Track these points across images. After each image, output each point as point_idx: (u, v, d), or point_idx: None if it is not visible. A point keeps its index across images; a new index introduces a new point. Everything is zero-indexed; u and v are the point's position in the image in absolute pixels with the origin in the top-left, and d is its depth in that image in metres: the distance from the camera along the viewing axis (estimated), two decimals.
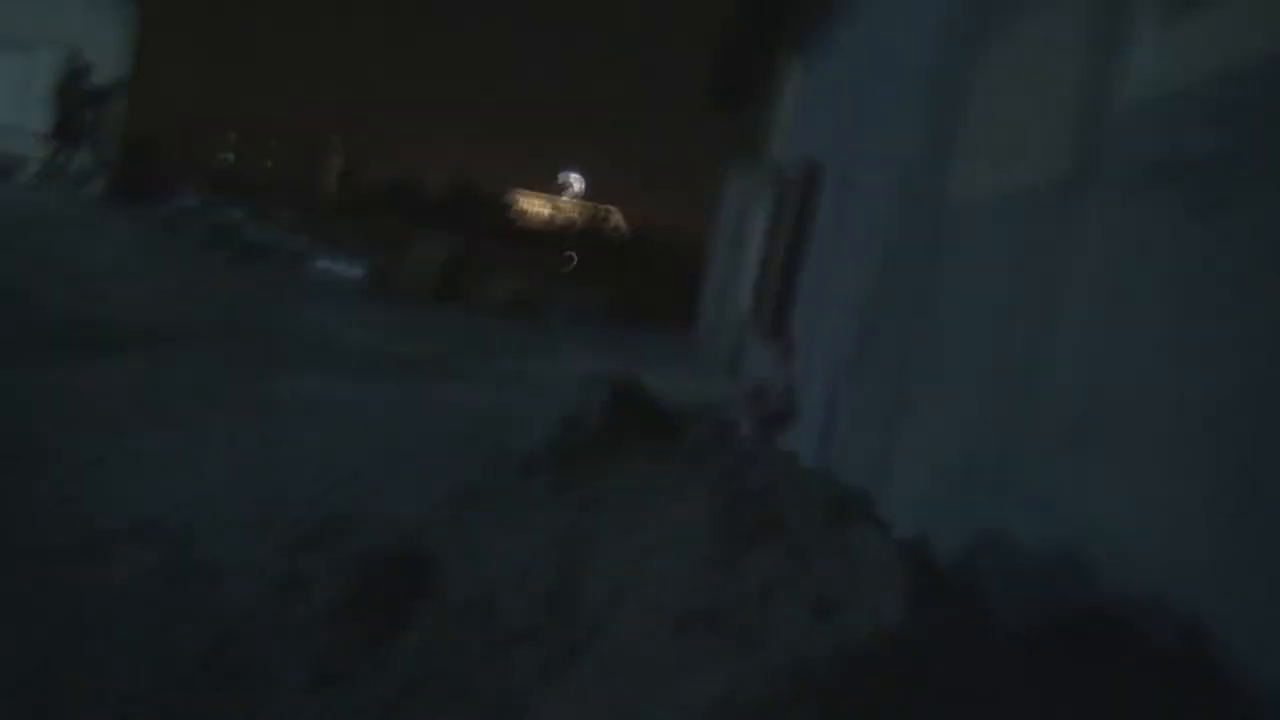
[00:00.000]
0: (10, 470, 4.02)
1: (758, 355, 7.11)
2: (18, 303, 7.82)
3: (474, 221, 33.13)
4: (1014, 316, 2.74)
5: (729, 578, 1.56)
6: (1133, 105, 2.23)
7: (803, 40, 9.20)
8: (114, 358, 6.47)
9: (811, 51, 8.72)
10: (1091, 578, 2.01)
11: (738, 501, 1.70)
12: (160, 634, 2.89)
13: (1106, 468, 2.09)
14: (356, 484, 4.80)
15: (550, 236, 41.29)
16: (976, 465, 2.70)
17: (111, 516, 3.72)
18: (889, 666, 1.28)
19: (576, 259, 29.83)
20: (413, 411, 6.95)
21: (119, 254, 11.58)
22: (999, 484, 2.54)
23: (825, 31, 8.04)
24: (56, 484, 3.98)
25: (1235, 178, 1.86)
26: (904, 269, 4.13)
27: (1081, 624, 1.83)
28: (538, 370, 9.13)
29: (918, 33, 4.75)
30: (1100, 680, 1.56)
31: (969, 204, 3.37)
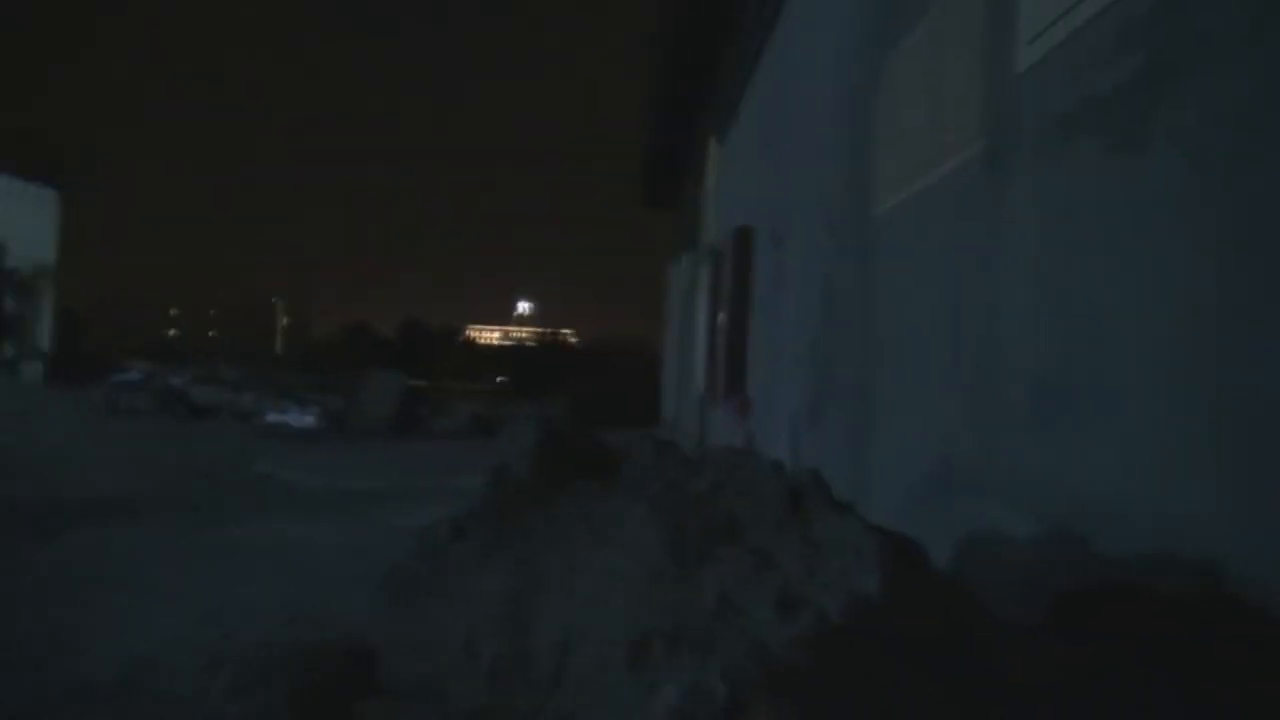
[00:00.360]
0: None
1: (719, 420, 6.97)
2: None
3: (426, 357, 33.08)
4: (959, 308, 2.64)
5: (684, 593, 1.38)
6: (1035, 63, 2.20)
7: (717, 121, 9.40)
8: (63, 535, 6.16)
9: (726, 130, 8.90)
10: (1088, 549, 1.85)
11: (683, 513, 1.53)
12: None
13: (1084, 435, 1.96)
14: (308, 614, 4.52)
15: (504, 361, 41.29)
16: (952, 464, 2.56)
17: (47, 685, 3.41)
18: (865, 644, 1.11)
19: (510, 377, 29.72)
20: (371, 536, 6.67)
21: (63, 436, 11.27)
22: (977, 478, 2.40)
23: (735, 107, 8.22)
24: None
25: (1145, 103, 1.79)
26: (844, 300, 4.07)
27: (1083, 594, 1.67)
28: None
29: (821, 77, 4.82)
30: (1107, 644, 1.39)
31: (893, 214, 3.32)
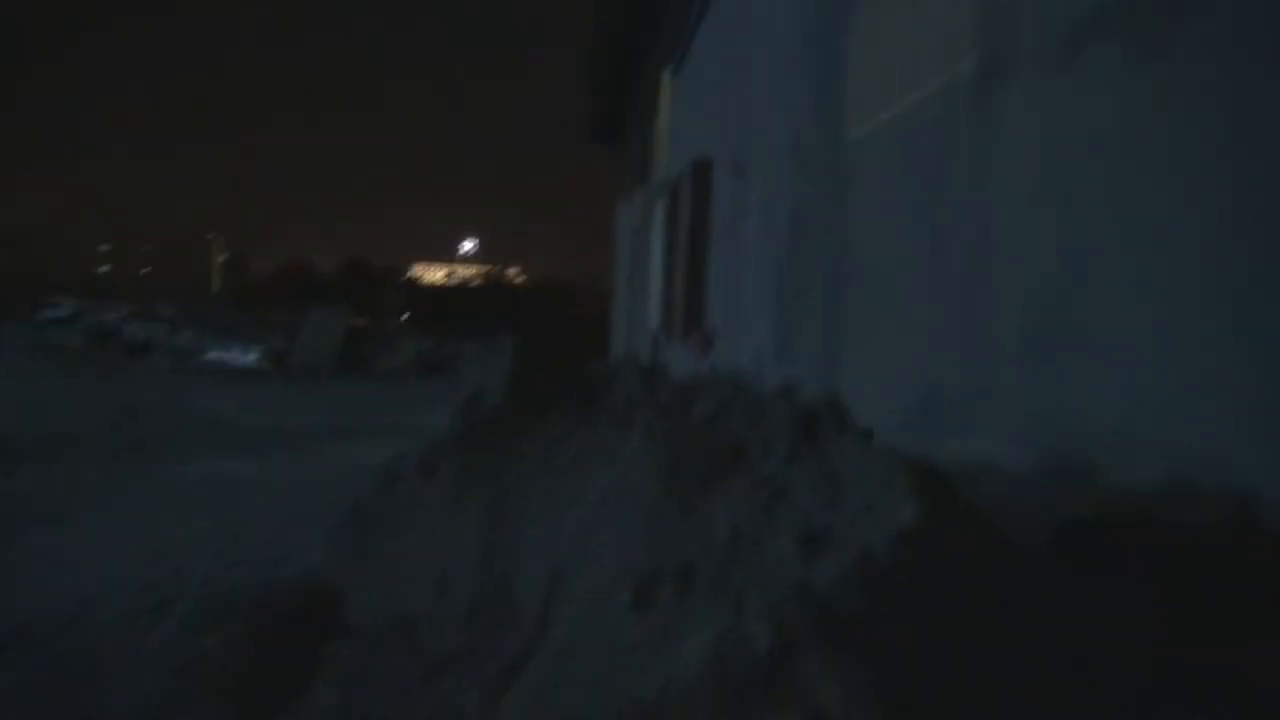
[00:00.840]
0: None
1: (676, 357, 6.88)
2: None
3: (370, 295, 32.41)
4: (944, 233, 2.54)
5: (689, 529, 1.27)
6: None
7: (670, 51, 9.14)
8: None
9: (680, 58, 8.65)
10: (1091, 481, 1.79)
11: (682, 441, 1.42)
12: None
13: (1088, 364, 1.88)
14: (260, 551, 4.37)
15: (449, 299, 40.68)
16: (938, 396, 2.48)
17: None
18: (909, 583, 1.01)
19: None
20: (313, 474, 6.51)
21: None
22: (966, 410, 2.32)
23: (689, 36, 7.97)
24: None
25: (1171, 6, 1.68)
26: (813, 229, 3.95)
27: (1088, 527, 1.60)
28: (443, 418, 8.72)
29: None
30: (1140, 573, 1.32)
31: (869, 138, 3.20)
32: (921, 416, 2.60)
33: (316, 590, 1.92)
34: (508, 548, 1.62)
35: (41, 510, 5.09)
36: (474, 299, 37.89)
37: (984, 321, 2.28)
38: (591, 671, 1.11)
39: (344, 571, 1.89)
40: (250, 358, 14.94)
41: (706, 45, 7.38)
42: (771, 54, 4.91)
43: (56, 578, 3.89)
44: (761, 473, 1.35)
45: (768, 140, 4.94)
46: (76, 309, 15.77)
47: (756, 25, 5.38)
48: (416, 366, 15.69)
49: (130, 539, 4.56)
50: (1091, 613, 1.10)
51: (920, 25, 2.76)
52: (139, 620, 3.43)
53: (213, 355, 14.94)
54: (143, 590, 3.76)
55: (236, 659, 2.03)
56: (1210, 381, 1.54)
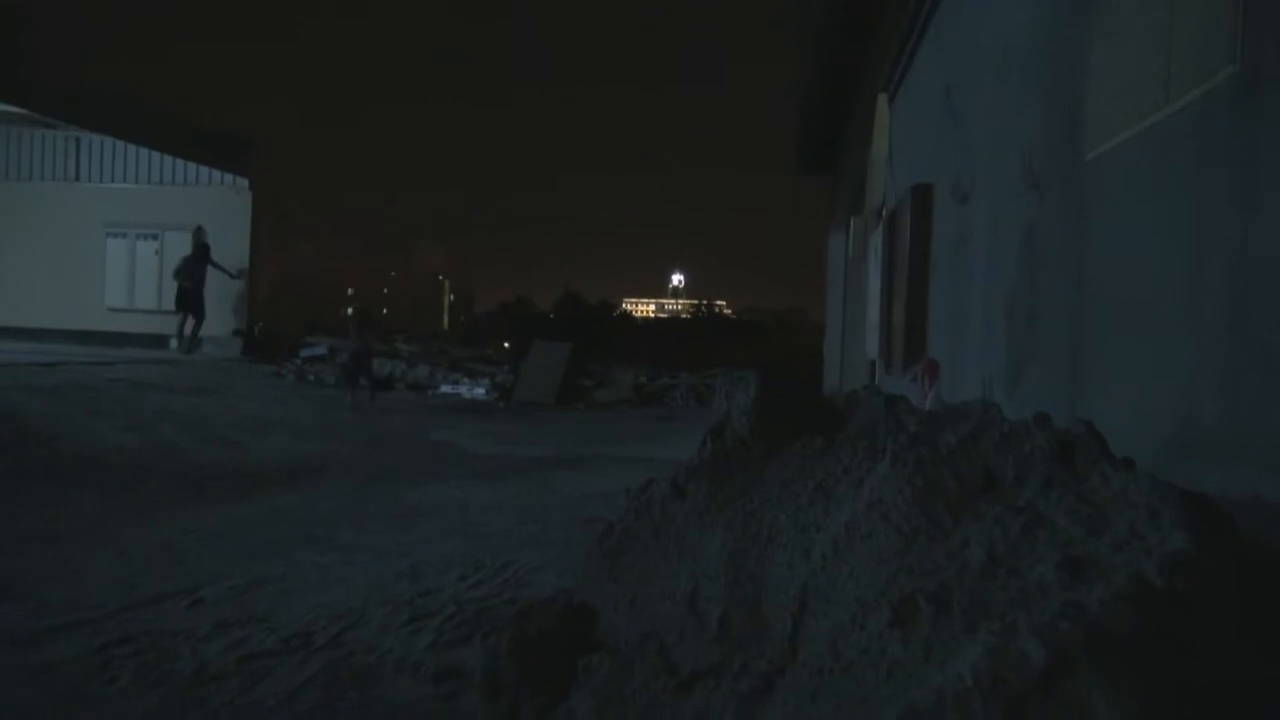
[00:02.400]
0: (165, 603, 4.01)
1: (896, 388, 6.72)
2: (174, 458, 8.18)
3: (585, 330, 33.69)
4: (1202, 254, 2.39)
5: (943, 553, 1.28)
6: None
7: (884, 79, 9.03)
8: (257, 496, 6.60)
9: (898, 84, 8.52)
10: None
11: (933, 468, 1.42)
12: None
13: None
14: (503, 573, 4.66)
15: (660, 333, 41.58)
16: (1197, 428, 2.32)
17: (268, 635, 3.63)
18: (1182, 611, 0.98)
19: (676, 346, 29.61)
20: (546, 501, 6.84)
21: (258, 405, 12.08)
22: (1235, 443, 2.16)
23: (907, 62, 7.85)
24: (214, 608, 3.94)
25: None
26: (1048, 254, 3.79)
27: None
28: (665, 450, 8.92)
29: (1017, 11, 4.50)
30: None
31: (1112, 155, 3.05)
32: (1177, 447, 2.44)
33: (569, 606, 2.05)
34: (756, 569, 1.67)
35: (305, 532, 5.62)
36: (684, 331, 38.53)
37: (1254, 346, 2.12)
38: (852, 685, 1.14)
39: (597, 589, 2.01)
40: (478, 391, 15.92)
41: (925, 69, 7.25)
42: (998, 74, 4.77)
43: (326, 590, 4.31)
44: (1017, 499, 1.33)
45: (994, 164, 4.79)
46: (330, 346, 17.37)
47: (982, 46, 5.24)
48: (633, 398, 16.12)
49: (383, 558, 4.97)
50: None
51: (1171, 34, 2.62)
52: (399, 632, 3.75)
53: (445, 389, 16.03)
54: (399, 606, 4.10)
55: (493, 669, 2.19)
56: None
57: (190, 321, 16.42)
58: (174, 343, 16.56)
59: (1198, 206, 2.43)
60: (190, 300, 16.33)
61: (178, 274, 16.40)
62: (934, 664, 1.03)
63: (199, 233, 17.75)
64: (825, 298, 17.10)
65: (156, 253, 18.29)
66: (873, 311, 8.78)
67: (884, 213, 8.67)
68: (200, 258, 16.58)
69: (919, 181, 6.69)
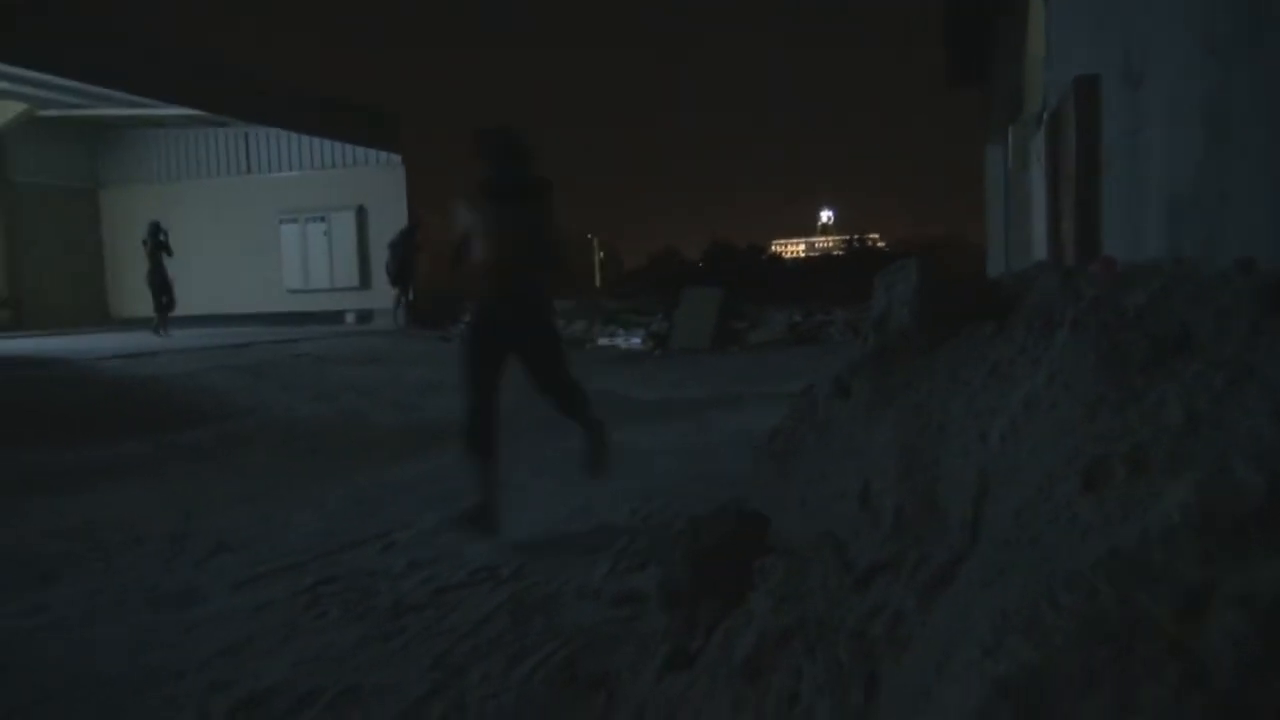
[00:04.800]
0: (361, 547, 4.29)
1: None
2: (358, 422, 8.71)
3: (735, 274, 33.45)
4: None
5: (1135, 416, 1.19)
6: None
7: None
8: (434, 451, 6.92)
9: None
10: None
11: (1119, 330, 1.32)
12: (515, 664, 2.86)
13: None
14: (671, 506, 4.73)
15: (812, 272, 40.79)
16: None
17: (457, 570, 3.84)
18: None
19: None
20: (708, 439, 6.88)
21: (425, 370, 12.67)
22: None
23: None
24: (406, 550, 4.19)
25: None
26: (1240, 129, 3.45)
27: None
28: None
29: None
30: None
31: None
32: None
33: (741, 513, 2.05)
34: (928, 459, 1.62)
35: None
36: (837, 268, 37.67)
37: None
38: (1041, 556, 1.08)
39: (767, 495, 2.00)
40: (634, 341, 16.14)
41: None
42: None
43: (506, 529, 4.49)
44: (1219, 354, 1.22)
45: (1166, 40, 4.39)
46: None
47: None
48: (788, 338, 15.95)
49: (556, 498, 5.14)
50: None
51: None
52: (576, 564, 3.88)
53: (602, 341, 16.34)
54: (575, 540, 4.24)
55: (669, 580, 2.23)
56: None
57: (402, 294, 17.38)
58: (399, 316, 17.46)
59: None
60: (404, 273, 17.27)
61: (393, 248, 17.31)
62: (1134, 520, 0.96)
63: (411, 211, 18.54)
64: (985, 218, 16.30)
65: (325, 234, 19.37)
66: (1038, 224, 8.30)
67: (1044, 116, 8.14)
68: (410, 233, 17.44)
69: (1081, 74, 6.22)
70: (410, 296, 17.48)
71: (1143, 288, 1.39)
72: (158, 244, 15.23)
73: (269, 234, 19.51)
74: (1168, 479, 1.01)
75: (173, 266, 15.40)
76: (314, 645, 3.11)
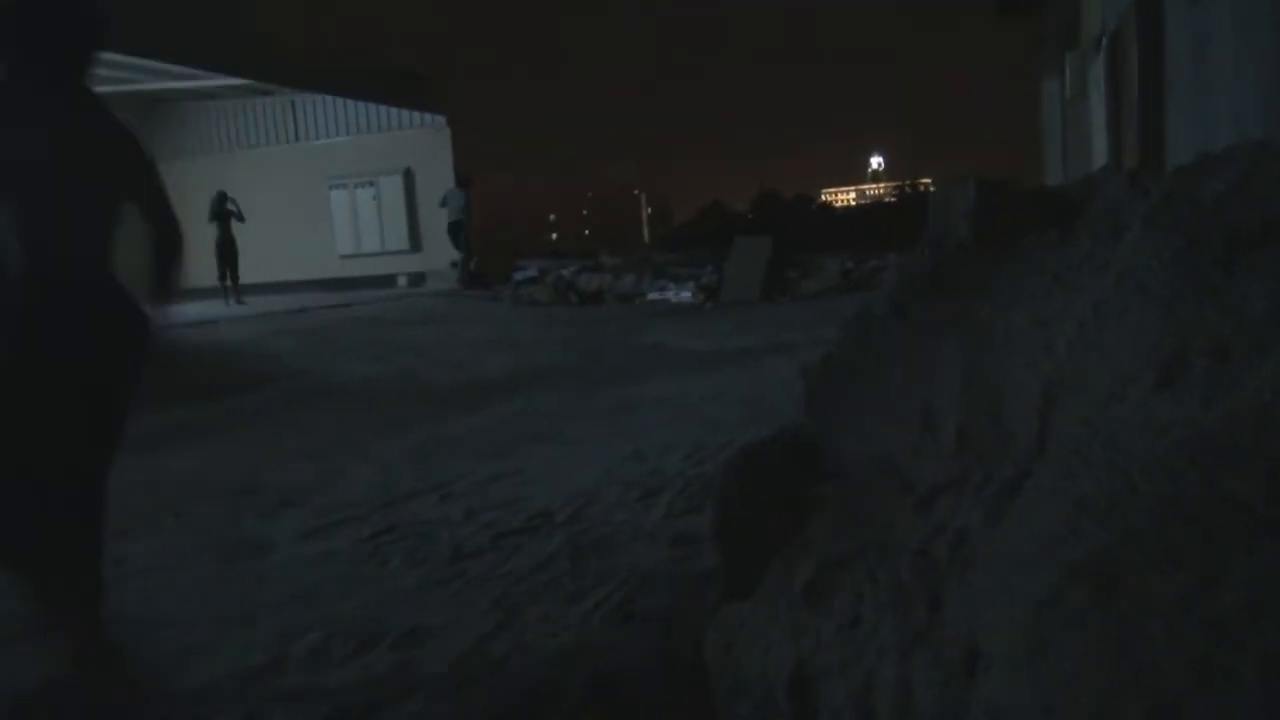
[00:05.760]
0: (420, 497, 4.34)
1: None
2: (412, 381, 8.83)
3: (784, 224, 32.99)
4: None
5: (1215, 311, 1.12)
6: None
7: None
8: (489, 406, 6.98)
9: None
10: None
11: (1195, 222, 1.24)
12: (573, 603, 2.88)
13: None
14: (724, 451, 4.70)
15: (863, 219, 40.09)
16: None
17: (514, 517, 3.87)
18: None
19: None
20: (760, 387, 6.82)
21: (480, 329, 12.76)
22: None
23: None
24: (463, 499, 4.23)
25: None
26: None
27: None
28: None
29: None
30: None
31: None
32: None
33: (794, 441, 2.02)
34: (991, 375, 1.56)
35: (537, 430, 5.90)
36: (889, 214, 36.97)
37: None
38: (1115, 455, 1.03)
39: (821, 423, 1.96)
40: (685, 294, 16.05)
41: None
42: None
43: (561, 477, 4.52)
44: None
45: None
46: (540, 268, 18.01)
47: None
48: (842, 285, 15.72)
49: (611, 447, 5.15)
50: None
51: None
52: (632, 508, 3.89)
53: (652, 295, 16.27)
54: (630, 484, 4.25)
55: (723, 512, 2.21)
56: None
57: (461, 253, 17.58)
58: (463, 275, 17.66)
59: None
60: (460, 232, 17.46)
61: (447, 205, 17.48)
62: (1216, 408, 0.91)
63: (460, 172, 18.63)
64: (1042, 154, 15.82)
65: (374, 199, 19.52)
66: (1099, 153, 8.02)
67: (1103, 40, 7.82)
68: (463, 193, 17.56)
69: None
70: (473, 257, 17.65)
71: (1214, 182, 1.31)
72: (226, 212, 15.48)
73: (319, 200, 19.71)
74: (1252, 368, 0.95)
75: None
76: (377, 591, 3.16)
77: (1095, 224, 1.55)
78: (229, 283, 15.62)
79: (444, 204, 17.67)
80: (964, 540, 1.42)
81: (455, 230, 17.57)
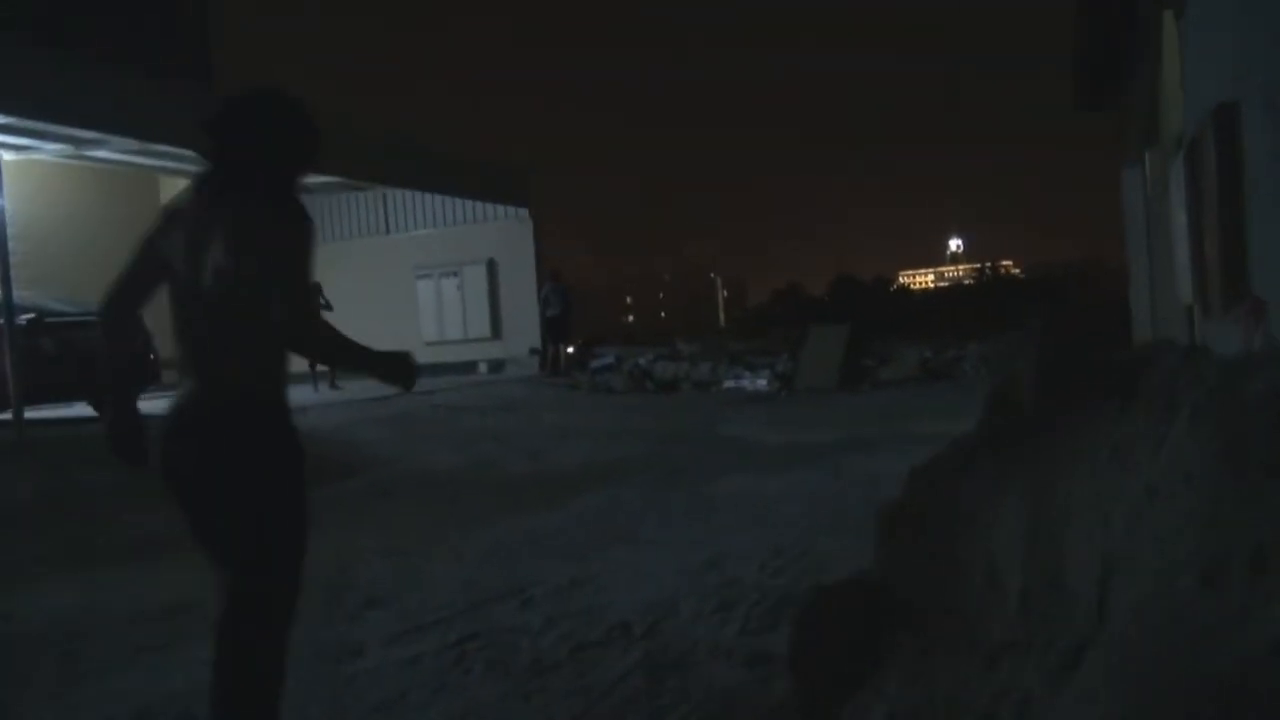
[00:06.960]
0: (501, 602, 4.46)
1: (1217, 333, 6.05)
2: (491, 470, 9.04)
3: (862, 308, 32.94)
4: None
5: (1257, 514, 1.19)
6: None
7: None
8: (568, 500, 7.11)
9: None
10: None
11: (1238, 421, 1.31)
12: None
13: None
14: (801, 560, 4.73)
15: (942, 303, 39.75)
16: None
17: (592, 629, 3.95)
18: None
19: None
20: (838, 487, 6.82)
21: (558, 415, 13.00)
22: None
23: None
24: (543, 605, 4.34)
25: None
26: None
27: None
28: (957, 425, 8.56)
29: None
30: None
31: None
32: None
33: (866, 585, 2.09)
34: (1052, 539, 1.63)
35: (614, 529, 6.00)
36: (967, 297, 36.60)
37: None
38: (1163, 651, 1.09)
39: (891, 568, 2.03)
40: (760, 382, 16.11)
41: None
42: None
43: (638, 584, 4.59)
44: None
45: None
46: (616, 356, 18.32)
47: None
48: (919, 374, 15.61)
49: (688, 551, 5.21)
50: None
51: None
52: (708, 621, 3.94)
53: (728, 384, 16.37)
54: (706, 595, 4.30)
55: (798, 651, 2.28)
56: None
57: (553, 347, 18.09)
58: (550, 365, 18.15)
59: None
60: (559, 327, 18.01)
61: (544, 303, 18.10)
62: (1244, 628, 0.98)
63: (552, 266, 19.28)
64: (1125, 241, 15.62)
65: (458, 288, 20.21)
66: (1181, 251, 7.93)
67: (1183, 141, 7.81)
68: (561, 287, 18.17)
69: (1222, 101, 5.97)
70: (561, 350, 18.11)
71: (1265, 375, 1.38)
72: (320, 305, 16.22)
73: (406, 289, 20.46)
74: None
75: None
76: (461, 702, 3.27)
77: (1151, 400, 1.62)
78: (317, 369, 16.23)
79: (545, 300, 18.20)
80: (1027, 705, 1.48)
81: (555, 325, 18.07)
